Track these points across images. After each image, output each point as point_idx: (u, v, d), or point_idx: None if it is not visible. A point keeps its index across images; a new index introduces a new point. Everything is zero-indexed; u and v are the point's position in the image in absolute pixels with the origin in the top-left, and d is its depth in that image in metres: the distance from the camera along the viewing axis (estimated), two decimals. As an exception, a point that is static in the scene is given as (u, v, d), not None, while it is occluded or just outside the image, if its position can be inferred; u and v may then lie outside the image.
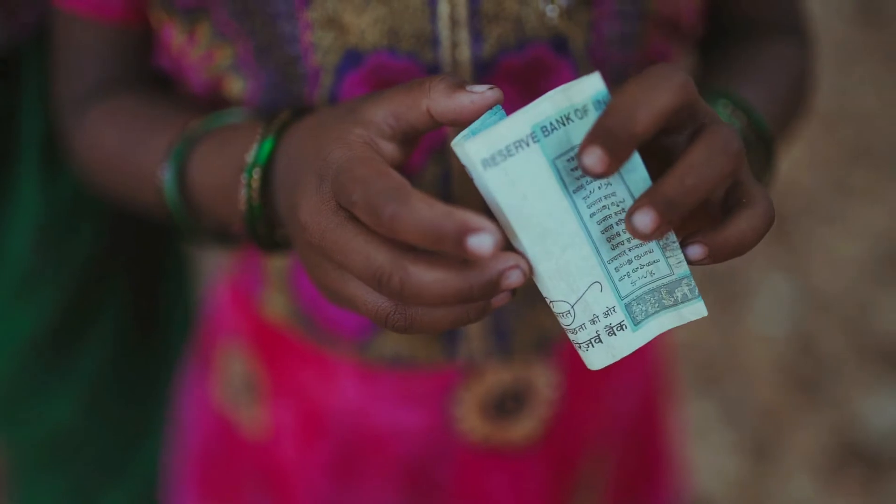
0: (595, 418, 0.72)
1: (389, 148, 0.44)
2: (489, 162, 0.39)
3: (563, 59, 0.54)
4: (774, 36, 0.66)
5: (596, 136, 0.37)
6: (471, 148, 0.39)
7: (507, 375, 0.67)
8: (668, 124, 0.41)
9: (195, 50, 0.55)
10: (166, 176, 0.55)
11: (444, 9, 0.51)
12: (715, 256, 0.41)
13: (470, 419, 0.68)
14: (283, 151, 0.48)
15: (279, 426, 0.71)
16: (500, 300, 0.42)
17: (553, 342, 0.67)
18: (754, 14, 0.66)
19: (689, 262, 0.42)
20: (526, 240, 0.41)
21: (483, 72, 0.53)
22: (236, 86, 0.55)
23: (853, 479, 1.56)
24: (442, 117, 0.43)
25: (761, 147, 0.56)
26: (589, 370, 0.69)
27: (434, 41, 0.51)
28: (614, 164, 0.38)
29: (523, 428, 0.69)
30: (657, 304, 0.43)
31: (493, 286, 0.39)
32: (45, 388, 0.85)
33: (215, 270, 0.85)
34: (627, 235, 0.42)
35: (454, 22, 0.51)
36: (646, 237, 0.38)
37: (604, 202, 0.41)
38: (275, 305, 0.67)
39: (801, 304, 1.84)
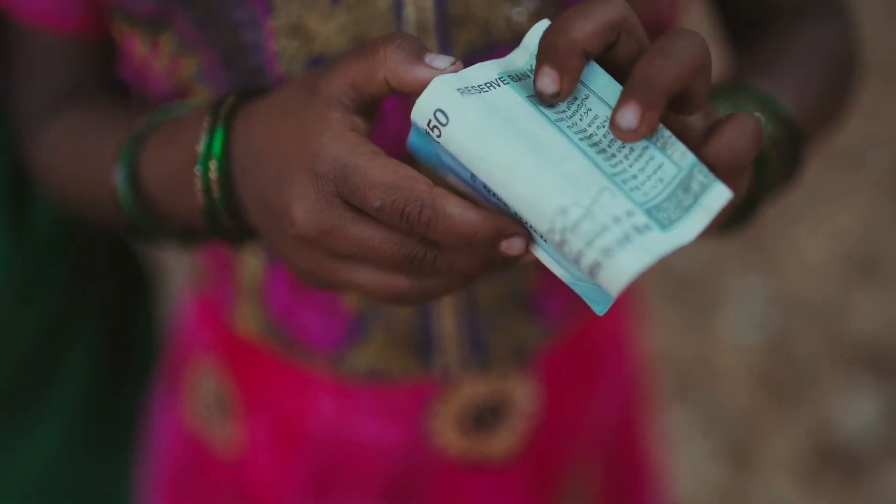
0: (578, 428, 0.71)
1: (359, 121, 0.43)
2: (465, 91, 0.39)
3: None
4: (807, 18, 0.62)
5: (541, 57, 0.38)
6: (441, 82, 0.39)
7: (483, 388, 0.65)
8: (608, 36, 0.39)
9: (159, 60, 0.54)
10: (119, 177, 0.54)
11: (410, 15, 0.50)
12: (646, 123, 0.37)
13: (447, 433, 0.67)
14: (240, 140, 0.46)
15: (254, 443, 0.70)
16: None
17: (531, 353, 0.65)
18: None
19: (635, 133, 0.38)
20: (519, 151, 0.39)
21: None
22: (202, 95, 0.54)
23: (832, 481, 1.56)
24: (401, 88, 0.41)
25: (790, 142, 0.53)
26: (569, 380, 0.68)
27: None
28: (565, 79, 0.38)
29: (502, 441, 0.68)
30: (678, 209, 0.38)
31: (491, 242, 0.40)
32: (12, 436, 0.83)
33: (182, 286, 0.83)
34: (624, 153, 0.39)
35: (421, 28, 0.50)
36: (635, 134, 0.37)
37: (589, 129, 0.40)
38: (247, 319, 0.66)
39: (775, 308, 1.84)
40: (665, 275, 1.91)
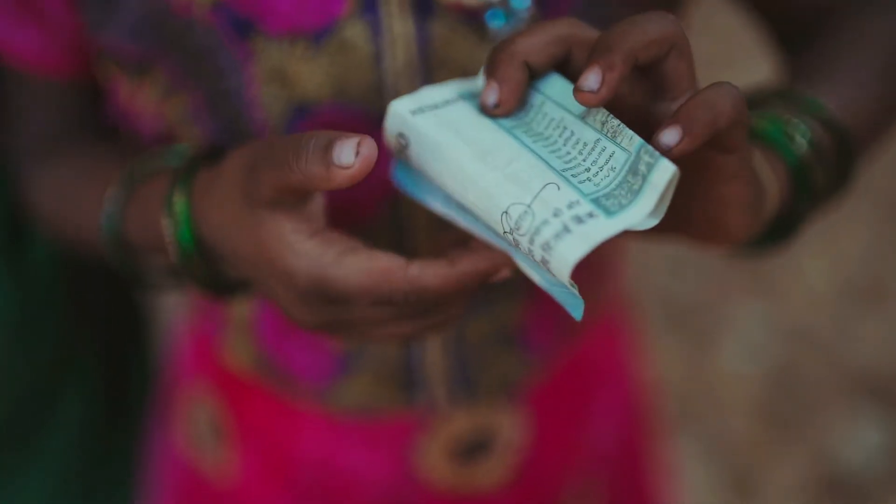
0: (572, 456, 0.71)
1: (309, 211, 0.42)
2: (418, 111, 0.42)
3: None
4: (862, 13, 0.57)
5: (486, 71, 0.41)
6: (397, 106, 0.42)
7: (471, 421, 0.66)
8: (553, 49, 0.41)
9: (146, 101, 0.54)
10: (104, 234, 0.55)
11: (389, 62, 0.50)
12: (690, 131, 0.36)
13: (435, 467, 0.67)
14: (203, 212, 0.46)
15: (247, 473, 0.70)
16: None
17: (519, 386, 0.65)
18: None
19: (670, 153, 0.37)
20: (466, 160, 0.40)
21: None
22: (190, 137, 0.54)
23: (835, 512, 1.55)
24: (320, 189, 0.40)
25: (839, 149, 0.50)
26: (559, 410, 0.68)
27: (382, 91, 0.51)
28: (504, 89, 0.41)
29: (491, 473, 0.68)
30: (629, 193, 0.38)
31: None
32: (8, 477, 0.83)
33: (176, 318, 0.84)
34: (578, 148, 0.40)
35: (404, 73, 0.50)
36: (596, 96, 0.37)
37: (546, 132, 0.41)
38: (237, 353, 0.66)
39: (776, 336, 1.83)
40: (666, 303, 1.90)
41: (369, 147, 0.38)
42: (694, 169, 0.41)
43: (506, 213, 0.39)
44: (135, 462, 0.91)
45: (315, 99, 0.51)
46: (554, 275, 0.38)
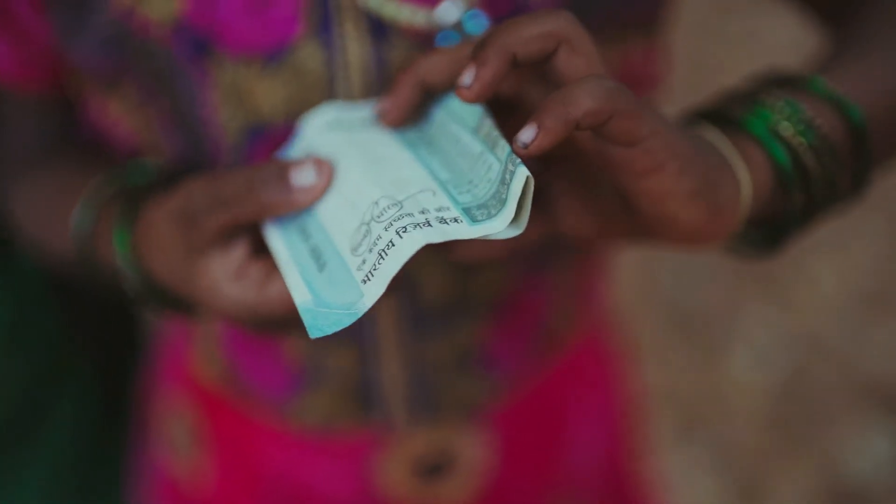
0: (546, 477, 0.71)
1: (236, 244, 0.45)
2: (334, 125, 0.45)
3: None
4: None
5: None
6: (313, 118, 0.46)
7: (431, 441, 0.66)
8: (449, 69, 0.42)
9: (117, 115, 0.55)
10: (76, 254, 0.56)
11: (343, 85, 0.50)
12: (543, 127, 0.35)
13: (396, 484, 0.67)
14: (146, 251, 0.49)
15: (220, 484, 0.71)
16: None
17: (482, 409, 0.65)
18: None
19: (526, 150, 0.36)
20: (356, 168, 0.43)
21: None
22: (157, 150, 0.55)
23: (842, 523, 1.53)
24: (281, 214, 0.44)
25: (855, 145, 0.46)
26: (528, 433, 0.68)
27: None
28: (391, 102, 0.44)
29: (455, 493, 0.68)
30: (499, 202, 0.38)
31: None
32: (4, 478, 0.84)
33: (157, 327, 0.85)
34: (466, 161, 0.41)
35: (358, 95, 0.50)
36: (469, 91, 0.38)
37: (446, 147, 0.43)
38: (205, 365, 0.68)
39: (787, 344, 1.81)
40: (675, 310, 1.89)
41: (329, 166, 0.43)
42: (606, 167, 0.39)
43: (376, 203, 0.40)
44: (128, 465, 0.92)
45: (270, 119, 0.51)
46: (379, 264, 0.38)
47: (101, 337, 0.88)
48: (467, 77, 0.38)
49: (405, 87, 0.43)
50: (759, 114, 0.44)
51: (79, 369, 0.86)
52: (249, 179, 0.42)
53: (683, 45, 0.64)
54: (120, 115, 0.55)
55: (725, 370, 1.77)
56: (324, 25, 0.49)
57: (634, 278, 1.93)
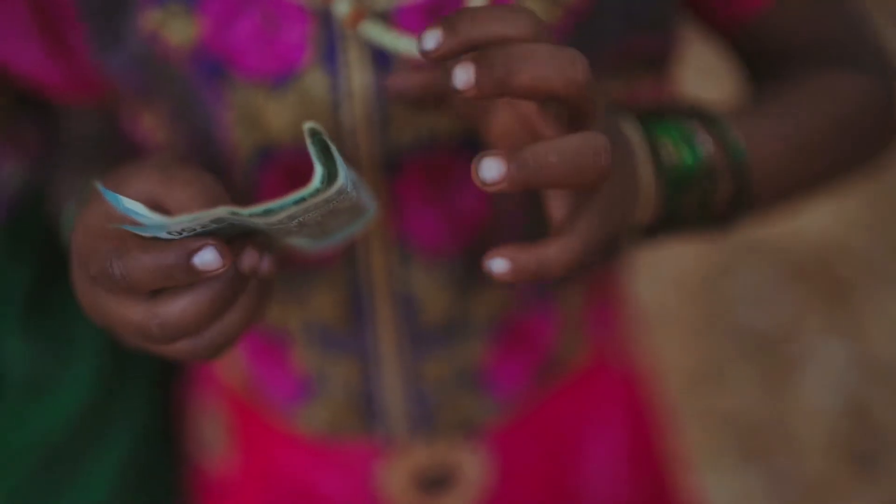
0: (553, 499, 0.71)
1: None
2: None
3: (472, 151, 0.55)
4: (828, 68, 0.58)
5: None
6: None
7: (431, 456, 0.67)
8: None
9: (148, 125, 0.58)
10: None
11: (347, 112, 0.52)
12: (516, 273, 0.41)
13: (397, 495, 0.68)
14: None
15: (241, 481, 0.74)
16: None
17: (481, 427, 0.66)
18: (799, 41, 0.58)
19: (493, 275, 0.42)
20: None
21: (392, 168, 0.54)
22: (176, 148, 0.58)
23: (907, 560, 1.48)
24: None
25: (734, 178, 0.51)
26: (532, 454, 0.68)
27: (340, 139, 0.53)
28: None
29: None
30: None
31: (184, 266, 0.39)
32: (63, 492, 0.87)
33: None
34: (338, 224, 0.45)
35: (359, 123, 0.52)
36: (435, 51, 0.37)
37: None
38: (229, 372, 0.71)
39: (858, 373, 1.76)
40: (745, 333, 1.86)
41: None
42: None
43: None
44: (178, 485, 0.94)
45: (278, 142, 0.53)
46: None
47: (152, 362, 0.89)
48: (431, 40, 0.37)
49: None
50: (666, 126, 0.50)
51: (138, 379, 0.88)
52: (156, 260, 0.39)
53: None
54: (152, 128, 0.58)
55: (793, 394, 1.73)
56: (329, 54, 0.51)
57: (705, 298, 1.91)
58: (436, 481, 0.68)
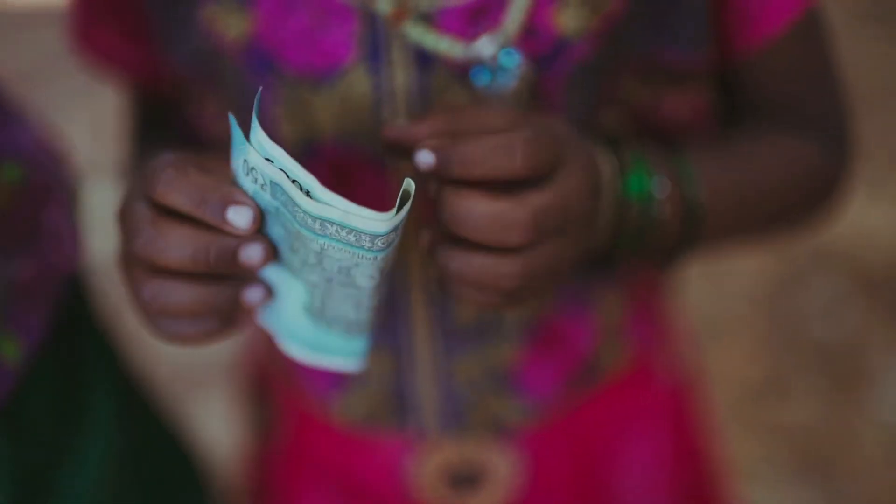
0: (584, 499, 0.71)
1: None
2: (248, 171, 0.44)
3: None
4: (790, 131, 0.60)
5: None
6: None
7: (461, 454, 0.68)
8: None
9: (212, 112, 0.61)
10: None
11: (388, 109, 0.54)
12: (443, 162, 0.44)
13: (428, 489, 0.70)
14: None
15: (285, 465, 0.76)
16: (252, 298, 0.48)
17: (511, 428, 0.66)
18: (781, 96, 0.60)
19: (419, 167, 0.44)
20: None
21: None
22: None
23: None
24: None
25: (687, 216, 0.54)
26: (563, 457, 0.69)
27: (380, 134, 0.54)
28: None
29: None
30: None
31: (230, 253, 0.44)
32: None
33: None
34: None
35: (398, 118, 0.54)
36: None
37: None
38: (272, 363, 0.73)
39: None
40: (811, 344, 1.82)
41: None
42: None
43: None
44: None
45: (321, 136, 0.55)
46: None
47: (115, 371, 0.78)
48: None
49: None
50: (637, 161, 0.53)
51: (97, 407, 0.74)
52: (203, 188, 0.44)
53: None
54: (214, 117, 0.60)
55: (856, 412, 1.69)
56: (374, 53, 0.52)
57: (773, 309, 1.88)
58: (465, 478, 0.68)
